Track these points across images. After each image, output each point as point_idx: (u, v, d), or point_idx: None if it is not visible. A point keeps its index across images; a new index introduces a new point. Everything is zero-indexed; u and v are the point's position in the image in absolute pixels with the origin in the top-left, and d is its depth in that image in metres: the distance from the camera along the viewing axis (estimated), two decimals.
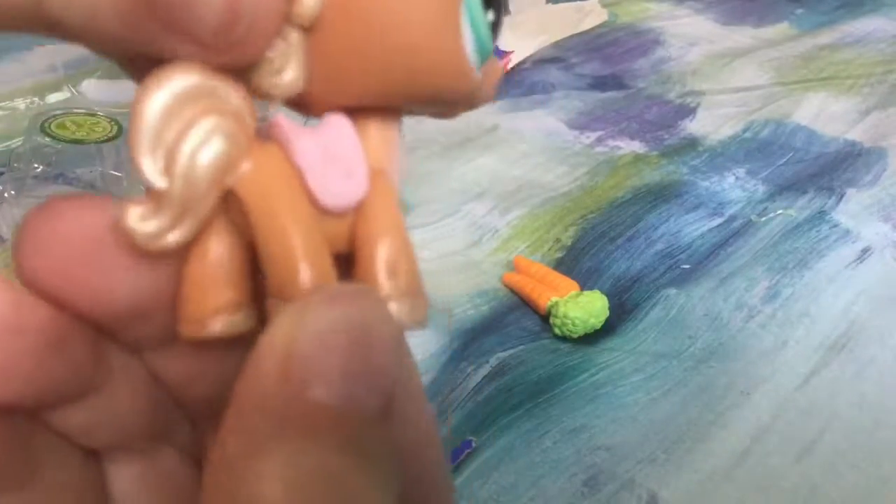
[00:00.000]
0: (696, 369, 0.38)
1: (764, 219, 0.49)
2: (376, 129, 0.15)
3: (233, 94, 0.14)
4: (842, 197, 0.50)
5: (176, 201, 0.13)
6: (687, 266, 0.45)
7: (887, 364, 0.38)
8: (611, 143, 0.58)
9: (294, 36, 0.14)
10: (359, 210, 0.15)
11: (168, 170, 0.13)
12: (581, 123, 0.61)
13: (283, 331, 0.12)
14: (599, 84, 0.67)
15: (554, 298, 0.41)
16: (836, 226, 0.48)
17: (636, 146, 0.58)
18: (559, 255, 0.47)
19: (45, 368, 0.14)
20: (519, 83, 0.67)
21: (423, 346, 0.41)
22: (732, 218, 0.49)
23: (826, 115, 0.61)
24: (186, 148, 0.13)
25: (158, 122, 0.13)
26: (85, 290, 0.14)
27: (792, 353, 0.39)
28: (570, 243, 0.48)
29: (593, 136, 0.59)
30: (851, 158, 0.55)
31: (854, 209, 0.49)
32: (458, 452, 0.35)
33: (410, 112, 0.16)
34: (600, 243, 0.48)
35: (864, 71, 0.67)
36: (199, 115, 0.13)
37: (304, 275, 0.14)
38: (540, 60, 0.71)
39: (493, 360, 0.40)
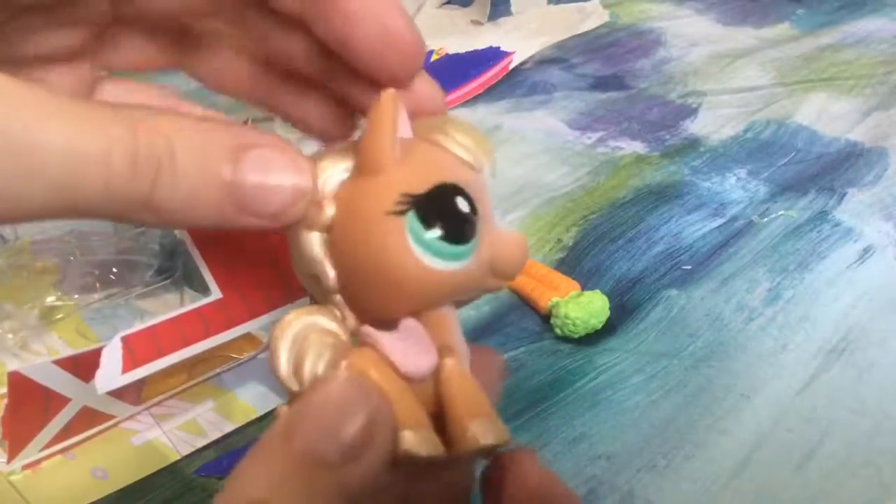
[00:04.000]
0: (697, 369, 0.38)
1: (765, 219, 0.49)
2: (437, 319, 0.21)
3: (327, 319, 0.21)
4: (843, 197, 0.50)
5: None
6: (688, 267, 0.45)
7: (888, 368, 0.38)
8: (612, 143, 0.58)
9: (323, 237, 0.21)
10: (436, 376, 0.21)
11: (297, 376, 0.20)
12: (582, 124, 0.61)
13: None
14: (601, 84, 0.67)
15: (555, 298, 0.41)
16: (837, 225, 0.48)
17: (637, 146, 0.58)
18: (560, 255, 0.47)
19: None
20: (520, 84, 0.67)
21: None
22: (734, 219, 0.49)
23: (827, 115, 0.61)
24: (308, 362, 0.20)
25: (289, 351, 0.20)
26: None
27: (792, 357, 0.39)
28: (571, 244, 0.48)
29: (594, 136, 0.59)
30: (853, 158, 0.55)
31: (856, 208, 0.49)
32: None
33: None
34: (601, 244, 0.48)
35: (866, 71, 0.67)
36: (311, 340, 0.21)
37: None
38: (541, 61, 0.71)
39: None
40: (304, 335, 0.21)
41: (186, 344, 0.31)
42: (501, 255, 0.21)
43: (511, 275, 0.22)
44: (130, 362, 0.30)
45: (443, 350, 0.21)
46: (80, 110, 0.17)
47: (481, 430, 0.20)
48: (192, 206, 0.18)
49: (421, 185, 0.20)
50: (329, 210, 0.20)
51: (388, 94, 0.20)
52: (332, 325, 0.21)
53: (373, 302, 0.21)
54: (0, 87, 0.16)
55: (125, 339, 0.30)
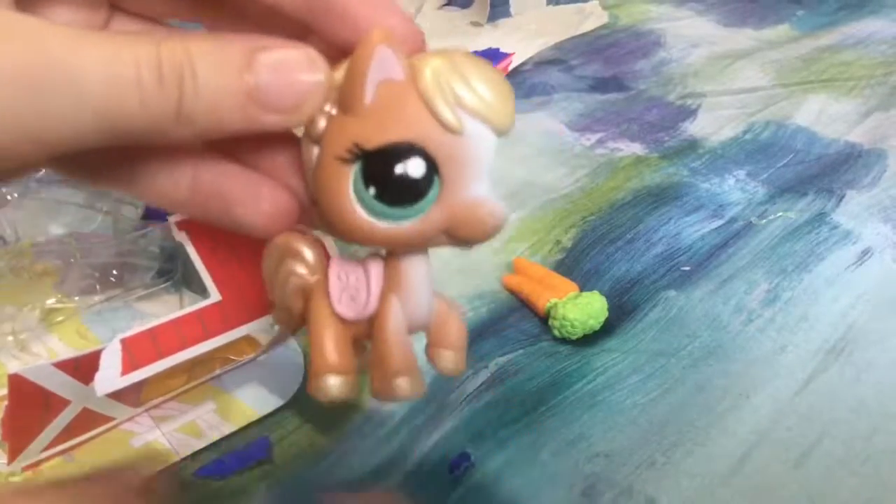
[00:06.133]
0: (695, 367, 0.38)
1: (764, 221, 0.49)
2: (395, 265, 0.22)
3: (306, 245, 0.23)
4: (842, 198, 0.50)
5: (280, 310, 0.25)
6: (687, 268, 0.45)
7: (886, 368, 0.38)
8: (611, 144, 0.58)
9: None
10: (373, 318, 0.23)
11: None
12: (581, 125, 0.61)
13: None
14: (600, 86, 0.67)
15: (553, 300, 0.41)
16: (835, 227, 0.48)
17: (636, 148, 0.58)
18: (559, 256, 0.47)
19: None
20: (520, 85, 0.67)
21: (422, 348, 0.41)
22: (732, 220, 0.49)
23: (827, 116, 0.61)
24: (279, 285, 0.24)
25: (272, 269, 0.24)
26: None
27: (791, 358, 0.39)
28: (570, 245, 0.48)
29: (594, 137, 0.59)
30: (852, 160, 0.55)
31: (854, 210, 0.49)
32: (456, 464, 0.35)
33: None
34: (600, 245, 0.48)
35: (865, 73, 0.67)
36: (287, 265, 0.24)
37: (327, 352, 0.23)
38: (540, 62, 0.71)
39: (492, 366, 0.40)
40: (279, 259, 0.24)
41: (185, 346, 0.32)
42: (460, 222, 0.21)
43: (467, 243, 0.21)
44: (129, 364, 0.30)
45: (387, 298, 0.22)
46: (110, 39, 0.19)
47: (402, 385, 0.22)
48: (217, 111, 0.20)
49: (376, 139, 0.20)
50: (321, 123, 0.21)
51: (372, 36, 0.20)
52: (308, 253, 0.23)
53: (332, 232, 0.22)
54: (33, 24, 0.18)
55: (124, 342, 0.31)
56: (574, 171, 0.55)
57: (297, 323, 0.25)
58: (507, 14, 0.75)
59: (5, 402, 0.31)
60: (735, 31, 0.76)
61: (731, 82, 0.66)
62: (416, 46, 0.22)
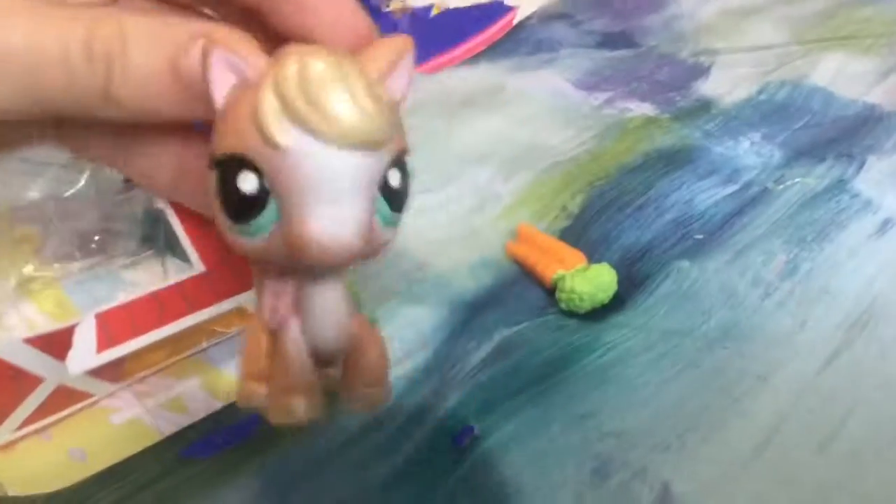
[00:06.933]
0: (710, 349, 0.36)
1: (781, 186, 0.46)
2: (300, 283, 0.21)
3: None
4: (862, 165, 0.48)
5: None
6: (700, 236, 0.43)
7: None
8: (620, 104, 0.56)
9: None
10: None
11: None
12: (589, 84, 0.58)
13: None
14: (608, 42, 0.64)
15: (560, 272, 0.39)
16: (856, 196, 0.45)
17: (647, 108, 0.55)
18: (566, 223, 0.45)
19: None
20: (524, 41, 0.64)
21: (423, 320, 0.39)
22: (748, 185, 0.47)
23: (844, 76, 0.58)
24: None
25: None
26: None
27: (812, 335, 0.37)
28: (577, 211, 0.46)
29: (602, 97, 0.57)
30: (872, 123, 0.52)
31: (875, 177, 0.47)
32: (461, 438, 0.33)
33: None
34: (609, 212, 0.45)
35: (885, 29, 0.64)
36: None
37: None
38: (546, 16, 0.67)
39: (497, 337, 0.37)
40: None
41: (165, 321, 0.29)
42: (291, 247, 0.18)
43: (311, 264, 0.19)
44: (105, 341, 0.28)
45: (288, 318, 0.21)
46: (39, 11, 0.18)
47: (297, 406, 0.21)
48: (145, 95, 0.19)
49: (217, 147, 0.19)
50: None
51: (213, 36, 0.18)
52: None
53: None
54: None
55: (99, 317, 0.28)
56: (581, 132, 0.53)
57: None
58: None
59: None
60: None
61: (744, 39, 0.63)
62: (361, 39, 0.21)
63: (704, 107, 0.55)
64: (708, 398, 0.34)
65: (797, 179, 0.47)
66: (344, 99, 0.17)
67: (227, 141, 0.18)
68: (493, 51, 0.63)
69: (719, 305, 0.39)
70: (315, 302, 0.21)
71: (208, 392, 0.36)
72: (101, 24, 0.18)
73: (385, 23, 0.66)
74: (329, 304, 0.21)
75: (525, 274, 0.41)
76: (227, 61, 0.18)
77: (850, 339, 0.36)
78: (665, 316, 0.38)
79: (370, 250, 0.20)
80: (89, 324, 0.28)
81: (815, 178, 0.47)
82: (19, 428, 0.32)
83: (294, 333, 0.21)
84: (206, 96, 0.18)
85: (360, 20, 0.22)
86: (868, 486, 0.30)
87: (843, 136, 0.51)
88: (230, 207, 0.18)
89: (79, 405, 0.34)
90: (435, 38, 0.64)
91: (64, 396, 0.32)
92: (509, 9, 0.65)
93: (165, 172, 0.23)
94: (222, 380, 0.36)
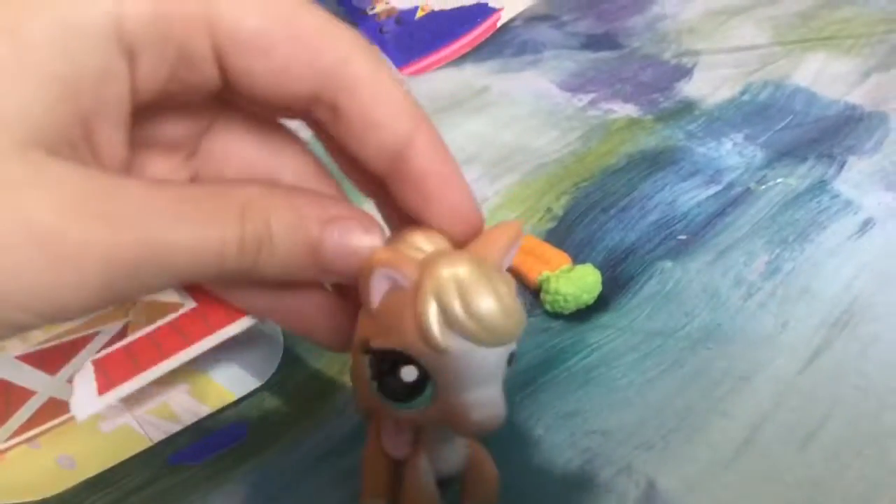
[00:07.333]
0: (693, 350, 0.37)
1: (763, 187, 0.47)
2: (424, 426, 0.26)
3: None
4: (843, 165, 0.48)
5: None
6: (683, 237, 0.44)
7: (892, 342, 0.36)
8: (604, 105, 0.56)
9: None
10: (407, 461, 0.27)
11: None
12: (573, 85, 0.59)
13: None
14: (592, 43, 0.64)
15: (545, 273, 0.40)
16: (836, 196, 0.46)
17: (630, 109, 0.55)
18: (551, 225, 0.45)
19: None
20: (509, 43, 0.64)
21: None
22: (730, 186, 0.47)
23: (826, 76, 0.59)
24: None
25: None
26: None
27: (793, 334, 0.37)
28: (561, 213, 0.46)
29: (586, 98, 0.57)
30: (853, 123, 0.53)
31: (855, 178, 0.47)
32: None
33: None
34: (593, 213, 0.46)
35: (865, 30, 0.65)
36: None
37: None
38: (530, 18, 0.68)
39: None
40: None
41: (165, 356, 0.29)
42: (453, 422, 0.22)
43: (477, 437, 0.27)
44: (105, 384, 0.28)
45: (417, 451, 0.25)
46: (198, 205, 0.20)
47: None
48: (287, 271, 0.22)
49: (377, 341, 0.22)
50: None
51: (373, 258, 0.21)
52: None
53: (359, 405, 0.27)
54: (136, 194, 0.19)
55: (97, 363, 0.29)
56: (565, 133, 0.53)
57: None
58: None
59: None
60: None
61: (726, 40, 0.64)
62: (472, 229, 0.24)
63: (687, 108, 0.55)
64: (691, 399, 0.35)
65: (779, 180, 0.47)
66: (494, 306, 0.20)
67: (388, 338, 0.22)
68: (478, 52, 0.64)
69: (702, 306, 0.39)
70: (444, 446, 0.25)
71: (196, 399, 0.36)
72: (251, 216, 0.21)
73: (370, 26, 0.67)
74: (457, 446, 0.26)
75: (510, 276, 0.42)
76: (386, 276, 0.21)
77: (830, 338, 0.37)
78: (649, 317, 0.39)
79: None
80: (87, 371, 0.28)
81: (796, 178, 0.47)
82: (10, 438, 0.32)
83: (425, 466, 0.25)
84: (337, 272, 0.22)
85: (474, 212, 0.24)
86: (848, 483, 0.31)
87: (824, 137, 0.51)
88: (390, 390, 0.22)
89: (68, 415, 0.34)
90: (420, 40, 0.64)
91: (54, 407, 0.33)
92: (494, 10, 0.66)
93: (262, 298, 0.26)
94: (210, 386, 0.36)
